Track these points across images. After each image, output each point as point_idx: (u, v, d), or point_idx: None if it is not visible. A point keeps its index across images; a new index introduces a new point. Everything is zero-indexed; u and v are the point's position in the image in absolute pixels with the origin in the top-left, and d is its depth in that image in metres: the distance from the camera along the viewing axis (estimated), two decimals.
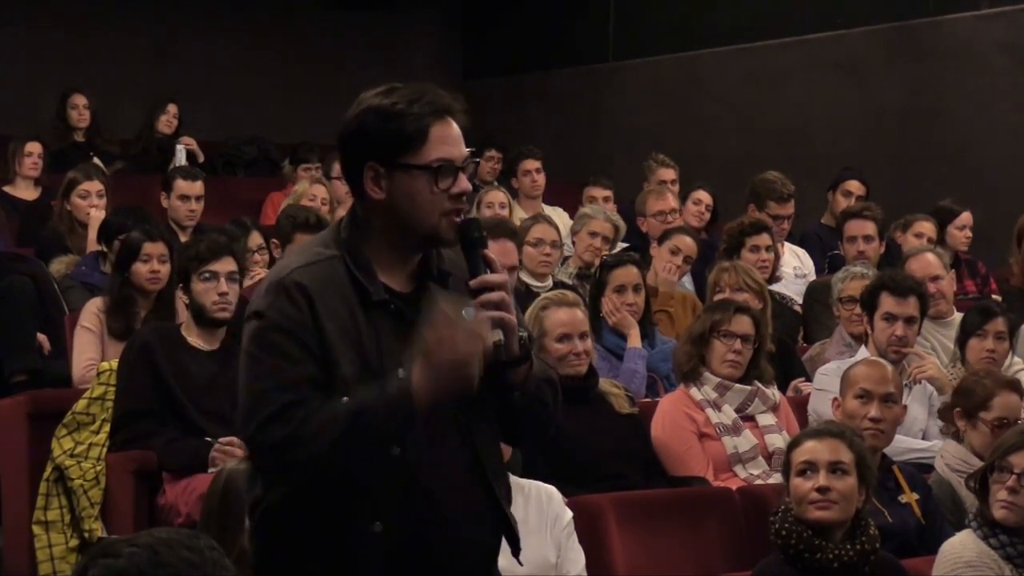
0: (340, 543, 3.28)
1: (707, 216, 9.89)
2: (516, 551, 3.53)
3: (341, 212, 8.54)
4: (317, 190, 9.45)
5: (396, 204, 3.32)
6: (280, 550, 3.34)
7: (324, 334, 3.26)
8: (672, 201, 9.49)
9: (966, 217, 9.48)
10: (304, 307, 3.26)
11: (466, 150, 3.37)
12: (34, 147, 10.34)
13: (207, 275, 6.22)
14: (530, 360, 3.39)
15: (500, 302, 3.31)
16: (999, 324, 6.91)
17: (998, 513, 4.88)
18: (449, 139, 3.34)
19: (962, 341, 6.98)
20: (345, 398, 3.23)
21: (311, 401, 3.23)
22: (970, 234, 9.49)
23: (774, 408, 6.32)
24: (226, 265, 6.26)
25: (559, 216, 9.82)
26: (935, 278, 7.60)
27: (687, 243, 8.32)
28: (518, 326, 3.36)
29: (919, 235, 8.94)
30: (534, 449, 5.26)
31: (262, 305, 3.30)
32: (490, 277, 3.33)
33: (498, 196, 9.52)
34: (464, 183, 3.35)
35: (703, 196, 9.92)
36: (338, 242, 3.37)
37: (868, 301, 6.76)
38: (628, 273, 7.20)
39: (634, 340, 7.05)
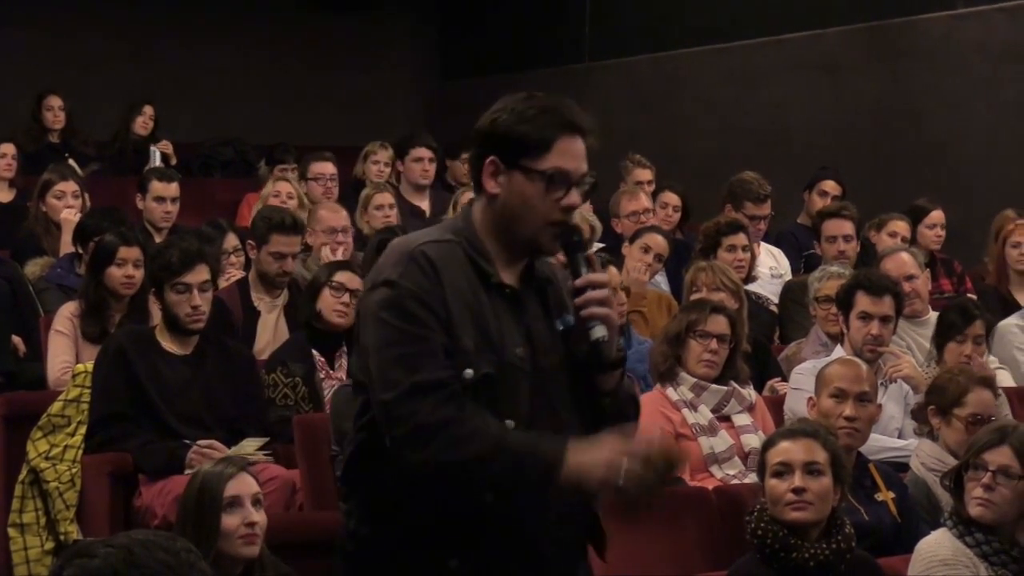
0: (452, 510, 3.37)
1: (675, 217, 9.91)
2: (603, 550, 3.63)
3: (347, 215, 8.57)
4: (281, 186, 9.47)
5: (508, 202, 3.46)
6: (388, 521, 3.43)
7: (448, 306, 3.38)
8: (645, 201, 9.50)
9: (937, 215, 9.47)
10: (433, 277, 3.38)
11: (585, 169, 3.48)
12: (7, 148, 10.31)
13: (180, 287, 6.22)
14: (624, 367, 3.55)
15: (604, 299, 3.46)
16: (978, 328, 6.92)
17: (974, 511, 4.88)
18: (571, 153, 3.47)
19: (940, 343, 6.98)
20: (502, 425, 3.34)
21: (465, 402, 3.33)
22: (942, 232, 9.49)
23: (750, 408, 6.32)
24: (198, 275, 6.25)
25: None
26: (910, 277, 7.60)
27: (657, 241, 8.32)
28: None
29: (893, 234, 8.95)
30: None
31: (393, 274, 3.40)
32: (595, 276, 3.50)
33: None
34: (575, 198, 3.47)
35: (670, 198, 9.94)
36: (455, 231, 3.49)
37: (843, 300, 6.77)
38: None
39: None
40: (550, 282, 3.57)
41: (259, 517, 4.84)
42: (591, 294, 3.46)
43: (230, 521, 4.79)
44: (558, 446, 3.32)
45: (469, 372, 3.36)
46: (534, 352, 3.47)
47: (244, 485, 4.87)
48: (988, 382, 5.96)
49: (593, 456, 3.32)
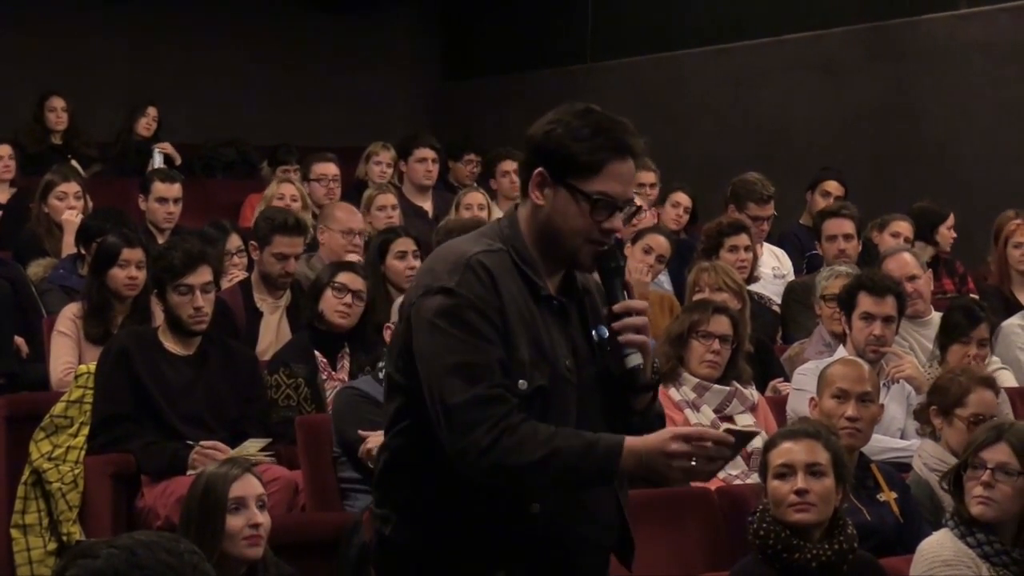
0: (498, 521, 3.39)
1: (685, 218, 9.90)
2: (629, 560, 3.64)
3: (361, 217, 8.56)
4: (285, 188, 9.47)
5: (551, 216, 3.47)
6: (429, 529, 3.43)
7: (506, 316, 3.39)
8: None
9: (952, 218, 9.53)
10: (490, 287, 3.39)
11: (632, 193, 3.52)
12: (4, 149, 10.30)
13: (183, 289, 6.22)
14: (656, 390, 3.58)
15: (642, 327, 3.47)
16: (983, 331, 6.91)
17: (975, 509, 4.87)
18: (621, 177, 3.48)
19: (944, 343, 6.96)
20: (552, 428, 3.34)
21: (513, 410, 3.32)
22: (955, 233, 9.55)
23: (752, 408, 6.33)
24: (201, 276, 6.25)
25: None
26: (912, 277, 7.60)
27: (660, 242, 8.30)
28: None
29: (896, 235, 8.95)
30: None
31: (450, 282, 3.39)
32: (633, 302, 3.50)
33: (477, 197, 9.53)
34: (616, 222, 3.49)
35: (681, 198, 9.92)
36: (503, 239, 3.50)
37: (846, 301, 6.77)
38: None
39: None
40: (588, 292, 3.58)
41: (263, 518, 4.85)
42: (628, 321, 3.46)
43: (234, 522, 4.79)
44: (614, 437, 3.34)
45: (523, 383, 3.36)
46: (578, 363, 3.48)
47: (249, 486, 4.88)
48: (989, 382, 5.95)
49: (650, 442, 3.32)
